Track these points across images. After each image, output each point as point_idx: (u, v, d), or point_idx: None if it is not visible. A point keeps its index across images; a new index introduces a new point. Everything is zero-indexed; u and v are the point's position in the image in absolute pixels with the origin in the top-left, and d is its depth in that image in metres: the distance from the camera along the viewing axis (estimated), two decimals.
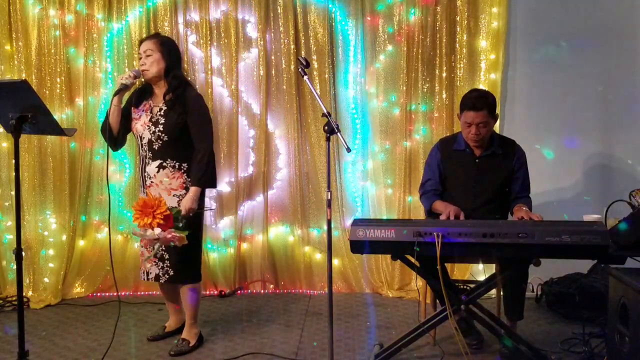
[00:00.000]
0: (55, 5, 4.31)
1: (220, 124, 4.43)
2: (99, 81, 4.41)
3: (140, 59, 3.25)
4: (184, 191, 3.26)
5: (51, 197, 4.36)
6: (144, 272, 3.38)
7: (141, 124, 3.27)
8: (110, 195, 4.40)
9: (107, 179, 3.22)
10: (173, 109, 3.22)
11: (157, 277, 3.32)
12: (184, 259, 3.25)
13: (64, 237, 4.38)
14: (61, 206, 4.37)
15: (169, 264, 3.29)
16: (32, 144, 4.31)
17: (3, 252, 4.39)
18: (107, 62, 4.40)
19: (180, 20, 4.40)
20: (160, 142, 3.22)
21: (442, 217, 3.19)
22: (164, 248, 3.26)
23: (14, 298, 4.15)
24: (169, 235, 2.91)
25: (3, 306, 4.17)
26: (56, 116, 3.76)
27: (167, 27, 4.35)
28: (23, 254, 2.66)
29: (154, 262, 3.30)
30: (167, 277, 3.31)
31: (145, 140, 3.26)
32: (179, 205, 3.21)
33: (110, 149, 3.26)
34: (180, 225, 3.01)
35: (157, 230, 2.87)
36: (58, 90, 4.34)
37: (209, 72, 4.40)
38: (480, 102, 3.22)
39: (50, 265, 4.36)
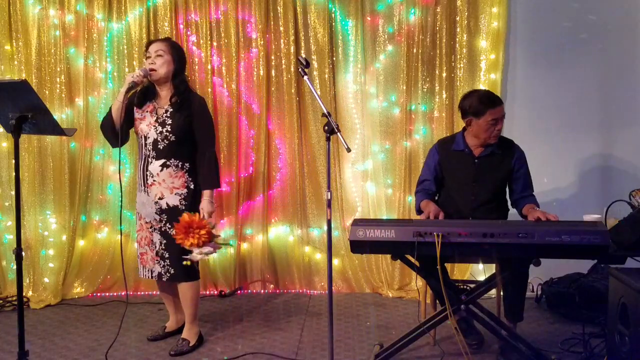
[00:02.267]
0: (55, 5, 4.31)
1: (220, 124, 4.43)
2: (99, 81, 4.41)
3: (148, 58, 3.28)
4: (185, 190, 3.32)
5: (51, 197, 4.36)
6: (149, 271, 3.41)
7: (146, 124, 3.31)
8: (113, 197, 4.47)
9: (120, 182, 3.37)
10: (179, 112, 3.29)
11: (159, 276, 3.37)
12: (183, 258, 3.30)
13: (64, 237, 4.37)
14: (61, 206, 4.37)
15: (169, 263, 3.33)
16: (32, 144, 4.31)
17: (3, 252, 4.39)
18: (107, 62, 4.40)
19: (180, 20, 4.40)
20: (167, 142, 3.28)
21: (422, 217, 3.23)
22: (164, 247, 3.32)
23: (14, 298, 4.15)
24: (213, 249, 3.13)
25: (3, 306, 4.17)
26: (56, 116, 3.76)
27: (167, 27, 4.35)
28: (23, 254, 2.67)
29: (157, 260, 3.35)
30: (169, 275, 3.35)
31: (150, 140, 3.30)
32: (180, 203, 3.30)
33: (113, 148, 3.32)
34: (216, 234, 3.20)
35: (207, 249, 3.09)
36: (58, 90, 4.34)
37: (209, 72, 4.40)
38: (497, 97, 3.31)
39: (50, 265, 4.36)
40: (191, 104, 3.33)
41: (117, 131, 3.26)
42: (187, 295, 3.40)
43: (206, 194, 3.32)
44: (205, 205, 3.30)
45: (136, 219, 3.47)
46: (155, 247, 3.34)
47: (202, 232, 3.07)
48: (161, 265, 3.34)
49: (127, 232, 4.44)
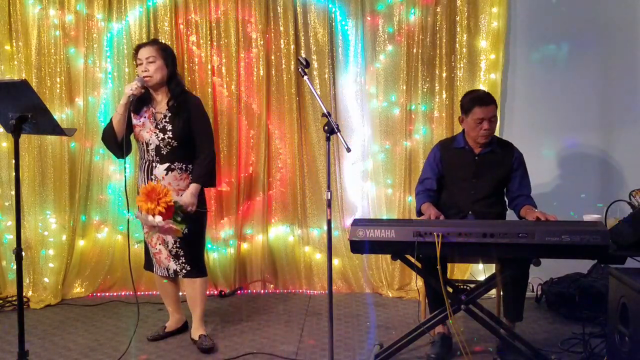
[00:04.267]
0: (55, 5, 4.31)
1: (220, 124, 4.43)
2: (99, 81, 4.41)
3: (140, 64, 3.27)
4: None
5: (51, 197, 4.36)
6: (164, 269, 3.43)
7: (147, 131, 3.31)
8: (113, 197, 4.46)
9: (125, 185, 3.30)
10: (178, 115, 3.30)
11: (175, 273, 3.41)
12: (196, 255, 3.41)
13: (64, 237, 4.37)
14: (61, 206, 4.37)
15: (184, 260, 3.38)
16: (32, 144, 4.31)
17: (3, 252, 4.39)
18: (107, 62, 4.40)
19: (180, 20, 4.39)
20: (170, 147, 3.30)
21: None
22: (178, 246, 3.35)
23: (14, 298, 4.15)
24: (167, 226, 3.09)
25: (3, 306, 4.17)
26: (56, 116, 3.76)
27: (167, 27, 4.35)
28: (23, 254, 2.67)
29: (171, 258, 3.38)
30: (185, 272, 3.40)
31: (152, 146, 3.31)
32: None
33: (118, 159, 3.34)
34: (179, 219, 3.15)
35: (158, 218, 3.03)
36: (58, 90, 4.34)
37: (209, 72, 4.40)
38: (488, 97, 3.33)
39: (50, 265, 4.36)
40: (188, 106, 3.33)
41: (120, 143, 3.28)
42: (198, 292, 3.45)
43: (192, 186, 3.29)
44: (185, 196, 3.24)
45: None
46: (169, 246, 3.37)
47: (162, 200, 3.01)
48: (177, 264, 3.39)
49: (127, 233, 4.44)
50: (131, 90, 3.19)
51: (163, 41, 3.90)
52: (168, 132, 3.28)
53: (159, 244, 3.40)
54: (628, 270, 2.75)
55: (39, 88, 4.25)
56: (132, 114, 3.34)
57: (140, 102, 3.34)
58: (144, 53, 3.27)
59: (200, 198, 3.37)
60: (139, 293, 4.44)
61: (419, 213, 3.40)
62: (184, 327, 3.63)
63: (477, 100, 3.29)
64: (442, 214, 3.22)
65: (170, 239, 3.35)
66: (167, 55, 3.32)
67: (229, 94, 4.45)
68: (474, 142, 3.36)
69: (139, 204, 3.09)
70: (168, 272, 3.43)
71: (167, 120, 3.29)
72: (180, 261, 3.38)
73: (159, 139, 3.29)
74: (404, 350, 3.14)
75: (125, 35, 4.38)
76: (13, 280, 4.26)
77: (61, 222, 4.38)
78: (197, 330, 3.48)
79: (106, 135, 3.36)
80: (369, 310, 4.10)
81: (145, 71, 3.24)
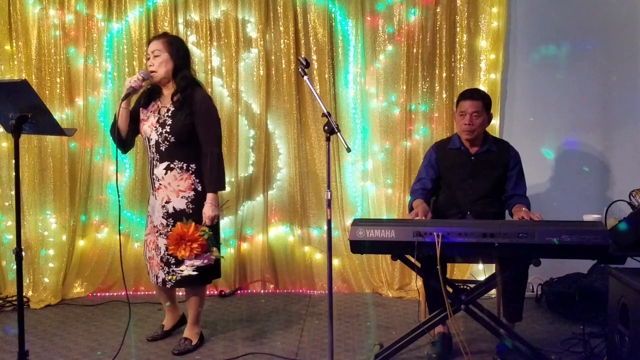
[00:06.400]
0: (55, 5, 4.31)
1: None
2: (99, 81, 4.41)
3: (148, 59, 3.21)
4: (193, 192, 3.21)
5: (51, 197, 4.36)
6: (154, 276, 3.34)
7: (149, 126, 3.23)
8: (113, 197, 4.47)
9: (117, 184, 3.26)
10: (181, 110, 3.17)
11: (164, 283, 3.28)
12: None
13: (64, 237, 4.37)
14: (61, 206, 4.37)
15: (174, 268, 3.23)
16: (32, 144, 4.31)
17: (3, 252, 4.38)
18: (107, 62, 4.40)
19: (180, 20, 4.40)
20: (167, 143, 3.17)
21: (410, 215, 3.29)
22: (169, 253, 3.21)
23: (14, 298, 4.15)
24: (207, 261, 3.06)
25: (3, 306, 4.17)
26: (56, 116, 3.76)
27: (167, 27, 4.34)
28: (23, 254, 2.66)
29: (161, 266, 3.27)
30: (173, 282, 3.26)
31: (152, 142, 3.21)
32: (187, 207, 3.20)
33: (118, 151, 3.27)
34: (213, 247, 3.12)
35: (198, 262, 3.03)
36: (58, 90, 4.34)
37: (209, 72, 4.40)
38: (476, 93, 3.40)
39: (50, 265, 4.36)
40: (193, 101, 3.19)
41: (122, 137, 3.21)
42: (191, 297, 3.36)
43: (209, 197, 3.17)
44: (207, 209, 3.16)
45: (147, 222, 3.40)
46: (160, 252, 3.25)
47: (195, 245, 3.01)
48: (165, 272, 3.25)
49: (127, 232, 4.45)
50: (130, 83, 3.12)
51: None
52: (166, 127, 3.16)
53: (152, 249, 3.31)
54: (628, 270, 2.75)
55: (39, 88, 4.25)
56: (140, 109, 3.29)
57: (150, 97, 3.28)
58: (151, 47, 3.20)
59: (204, 202, 3.20)
60: (139, 293, 4.46)
61: (411, 209, 3.42)
62: (182, 321, 3.59)
63: (463, 93, 3.42)
64: (430, 212, 3.26)
65: (162, 245, 3.24)
66: (174, 48, 3.19)
67: (229, 94, 4.45)
68: (466, 141, 3.38)
69: (171, 252, 3.07)
70: (157, 279, 3.30)
71: (169, 114, 3.18)
72: (170, 270, 3.22)
73: (158, 133, 3.18)
74: (404, 350, 3.14)
75: (125, 35, 4.38)
76: (13, 280, 4.26)
77: (61, 222, 4.38)
78: (185, 332, 3.45)
79: (112, 129, 3.28)
80: (369, 310, 4.10)
81: (151, 65, 3.19)
